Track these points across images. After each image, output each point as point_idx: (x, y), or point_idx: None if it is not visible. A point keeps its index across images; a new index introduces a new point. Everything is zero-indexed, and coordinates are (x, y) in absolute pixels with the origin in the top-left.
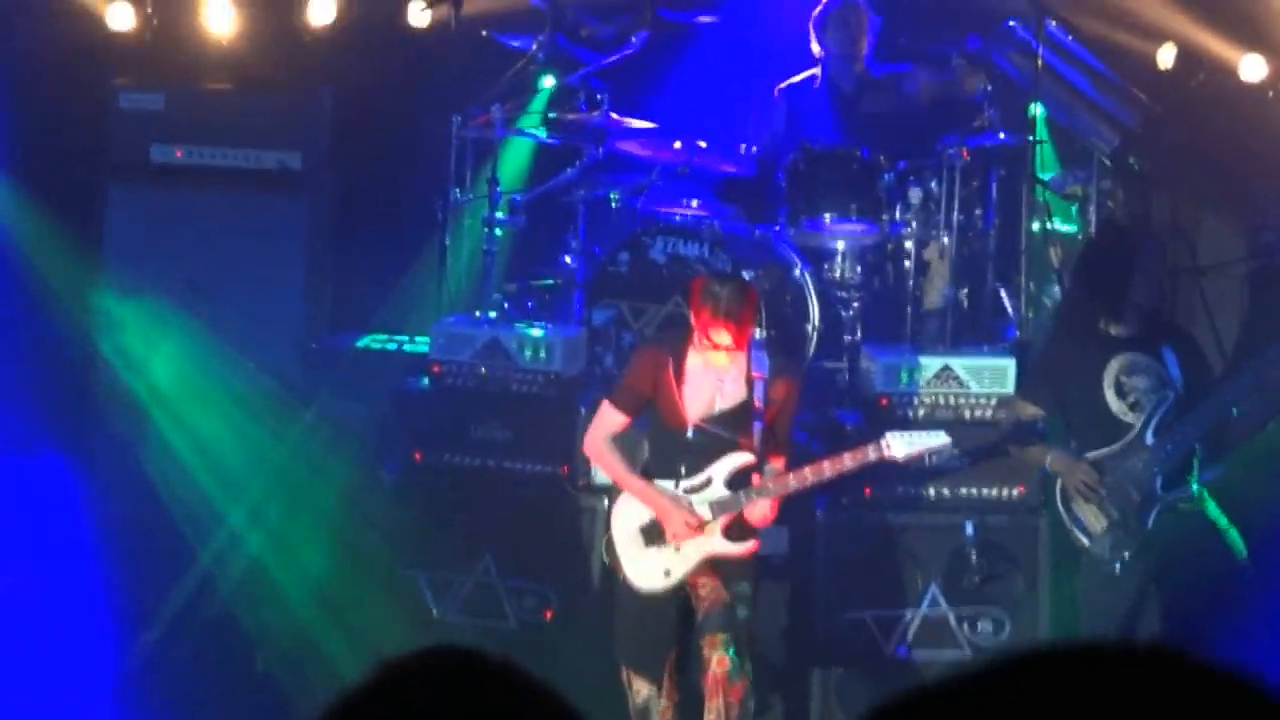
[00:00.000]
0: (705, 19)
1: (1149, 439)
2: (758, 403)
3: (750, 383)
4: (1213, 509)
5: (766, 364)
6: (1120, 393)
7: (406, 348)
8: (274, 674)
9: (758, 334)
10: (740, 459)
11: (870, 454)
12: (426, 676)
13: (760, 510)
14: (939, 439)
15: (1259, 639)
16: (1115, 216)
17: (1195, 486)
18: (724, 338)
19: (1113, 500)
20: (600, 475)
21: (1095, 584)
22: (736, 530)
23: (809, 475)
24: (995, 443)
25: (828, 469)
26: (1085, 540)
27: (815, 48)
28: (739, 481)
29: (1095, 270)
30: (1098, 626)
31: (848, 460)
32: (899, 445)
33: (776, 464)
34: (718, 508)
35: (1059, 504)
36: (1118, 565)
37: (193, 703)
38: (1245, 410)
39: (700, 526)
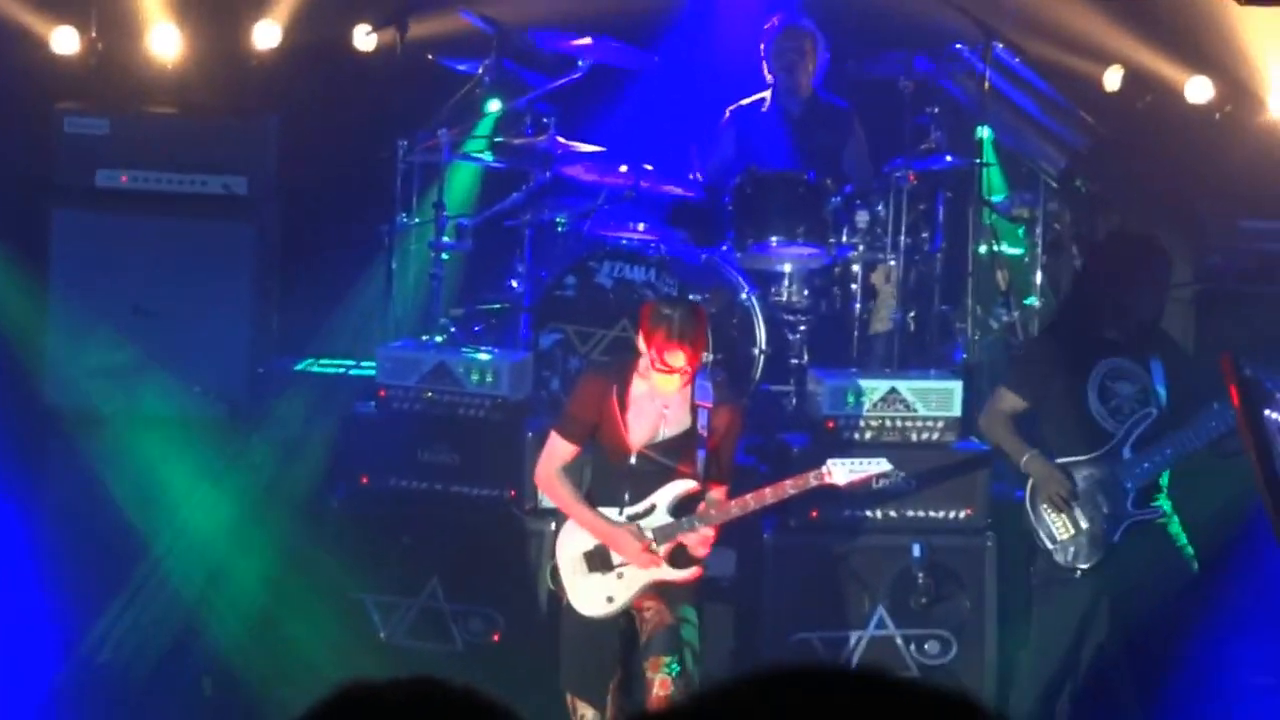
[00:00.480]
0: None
1: (1126, 453)
2: (701, 430)
3: (694, 410)
4: (1175, 525)
5: (710, 392)
6: (1103, 396)
7: (353, 372)
8: (221, 698)
9: (706, 357)
10: (684, 486)
11: (811, 480)
12: (390, 700)
13: (700, 538)
14: (880, 465)
15: (1208, 652)
16: (1121, 228)
17: (1166, 505)
18: (678, 359)
19: (1082, 509)
20: (547, 499)
21: (1047, 598)
22: (680, 557)
23: (751, 501)
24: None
25: (769, 495)
26: (1048, 544)
27: (765, 71)
28: (682, 508)
29: (1101, 274)
30: (1047, 642)
31: (789, 486)
32: (840, 472)
33: (717, 493)
34: (661, 534)
35: (1026, 504)
36: (1077, 573)
37: None
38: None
39: (652, 551)
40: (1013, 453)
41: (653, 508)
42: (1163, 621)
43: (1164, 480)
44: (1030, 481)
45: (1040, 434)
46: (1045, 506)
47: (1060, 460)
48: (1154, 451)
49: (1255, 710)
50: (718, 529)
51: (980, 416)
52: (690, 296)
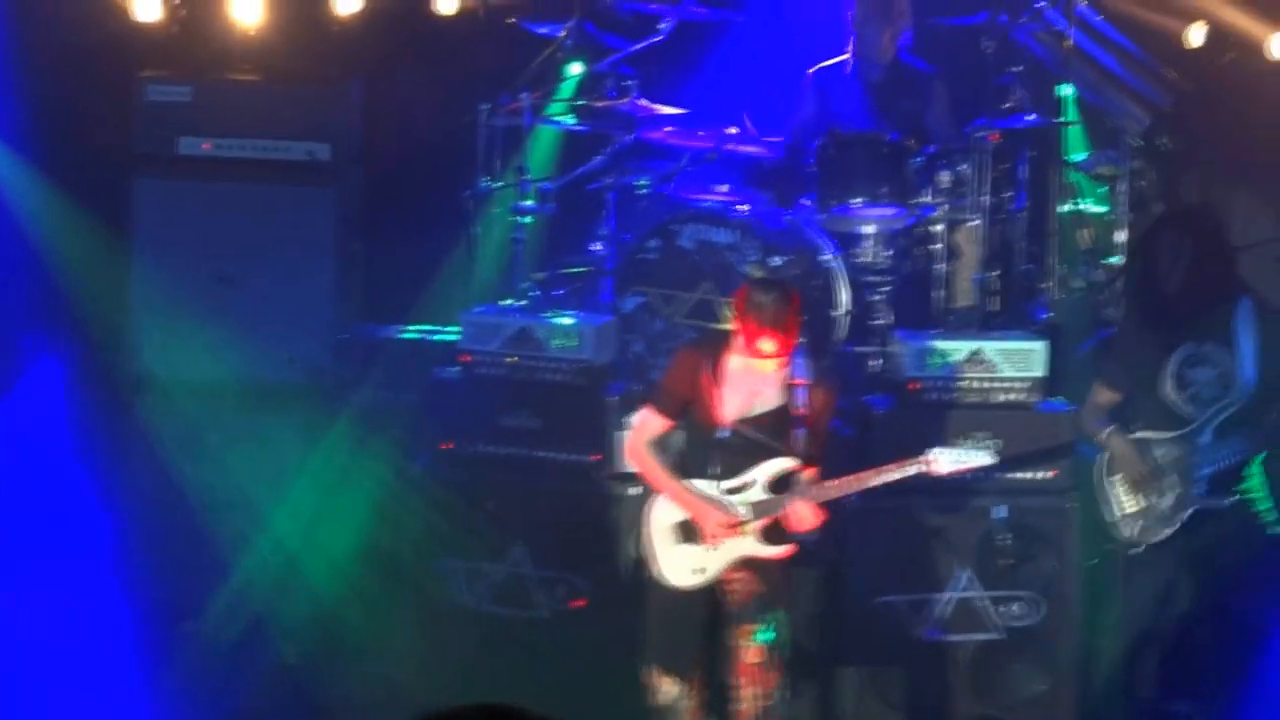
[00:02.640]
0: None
1: (1206, 437)
2: (801, 409)
3: (790, 389)
4: (1264, 504)
5: (807, 370)
6: (1180, 384)
7: (436, 338)
8: (305, 666)
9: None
10: (783, 463)
11: (914, 467)
12: None
13: (803, 515)
14: (983, 458)
15: None
16: (1175, 203)
17: (1254, 485)
18: (770, 345)
19: (1153, 487)
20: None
21: (1128, 573)
22: (774, 533)
23: (853, 482)
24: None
25: (871, 477)
26: (1114, 515)
27: (850, 38)
28: (780, 485)
29: (1157, 255)
30: (1132, 606)
31: (891, 471)
32: (944, 461)
33: (809, 473)
34: (758, 510)
35: (1098, 477)
36: (1142, 548)
37: (223, 695)
38: None
39: (736, 526)
40: (1091, 430)
41: (751, 483)
42: (1245, 594)
43: (1256, 468)
44: (1105, 454)
45: (1127, 412)
46: (1118, 478)
47: (1140, 435)
48: (1234, 441)
49: None
50: (819, 508)
51: (1080, 415)
52: (773, 259)
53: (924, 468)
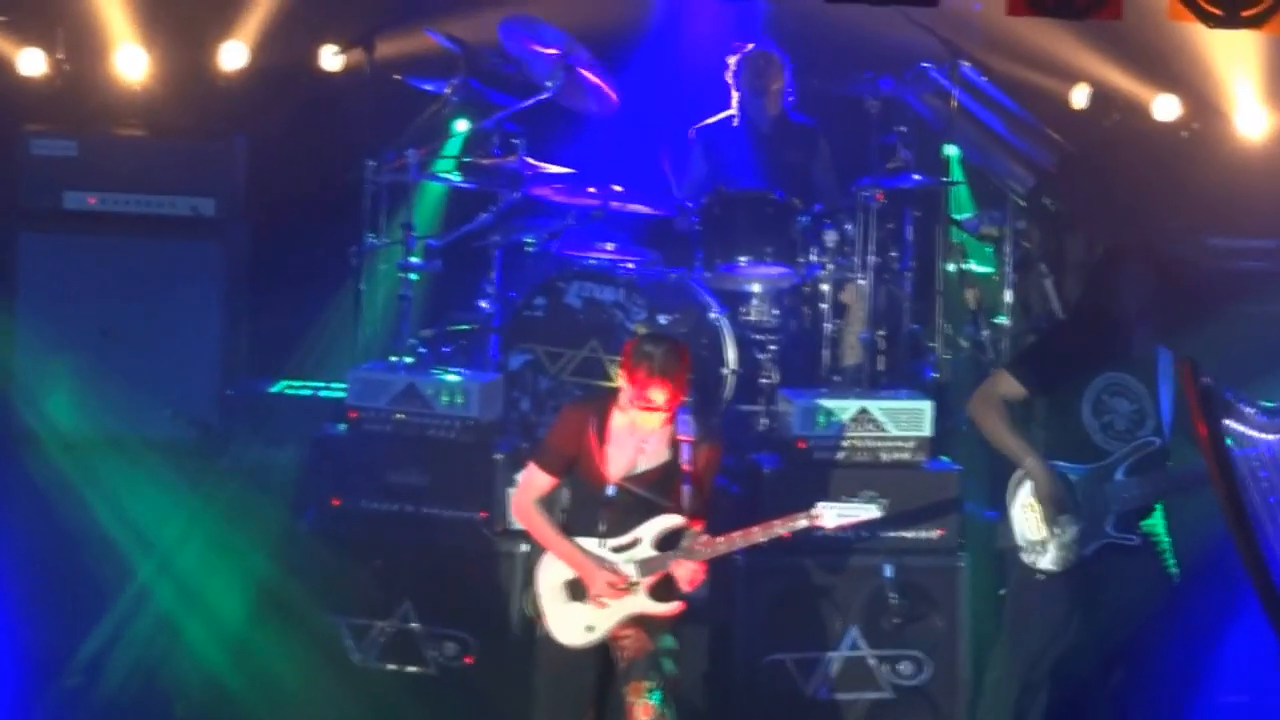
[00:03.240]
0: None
1: (1119, 475)
2: (686, 465)
3: (675, 445)
4: (1164, 546)
5: (692, 426)
6: (1097, 410)
7: (323, 394)
8: None
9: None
10: (669, 520)
11: (801, 521)
12: None
13: (689, 572)
14: (870, 512)
15: (1178, 669)
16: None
17: (1159, 527)
18: (660, 395)
19: (1063, 518)
20: (518, 522)
21: (1023, 603)
22: (662, 590)
23: (739, 539)
24: (914, 477)
25: (758, 533)
26: (1019, 542)
27: (733, 96)
28: (667, 543)
29: (1119, 280)
30: (1020, 653)
31: (778, 526)
32: (830, 516)
33: (695, 528)
34: (645, 567)
35: (1006, 498)
36: (1039, 576)
37: None
38: None
39: (625, 587)
40: (1013, 449)
41: (637, 540)
42: (1138, 639)
43: (1158, 507)
44: (1016, 475)
45: (1031, 430)
46: (1026, 505)
47: (1053, 463)
48: (1146, 482)
49: None
50: (706, 565)
51: (972, 399)
52: (659, 317)
53: (810, 522)
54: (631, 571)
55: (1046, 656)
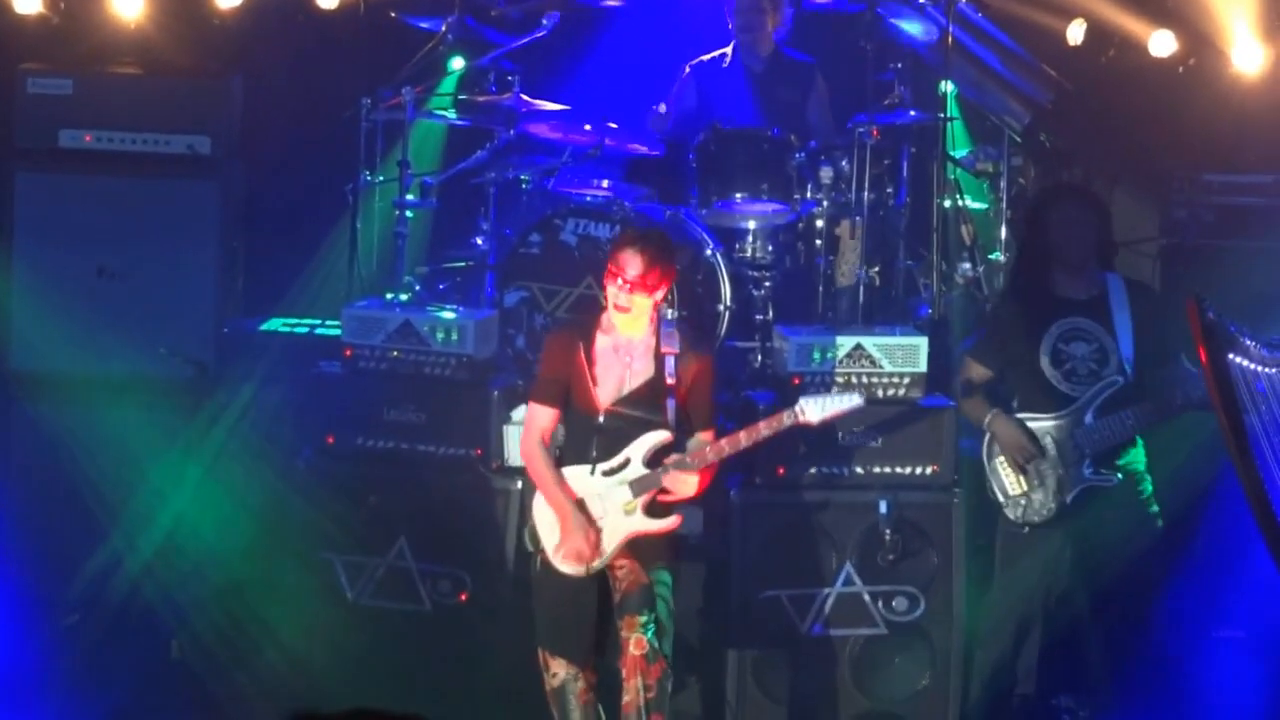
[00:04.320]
0: (612, 1)
1: (1088, 419)
2: (669, 379)
3: (659, 359)
4: (1144, 483)
5: (676, 339)
6: (1056, 359)
7: (319, 331)
8: (190, 660)
9: (670, 313)
10: (656, 437)
11: (785, 420)
12: None
13: (685, 483)
14: (852, 400)
15: (1172, 606)
16: (1058, 178)
17: (1139, 463)
18: (633, 268)
19: (1038, 468)
20: (513, 457)
21: (1012, 554)
22: (657, 508)
23: (725, 446)
24: (909, 413)
25: (744, 439)
26: (1000, 498)
27: (728, 26)
28: (657, 459)
29: (1038, 230)
30: (1012, 598)
31: (763, 428)
32: (813, 409)
33: (705, 437)
34: (638, 486)
35: (984, 457)
36: (1026, 529)
37: (108, 689)
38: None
39: (594, 555)
40: (974, 414)
41: (627, 461)
42: (1127, 578)
43: (1137, 440)
44: (988, 436)
45: (1001, 394)
46: (1001, 461)
47: (1022, 416)
48: (1115, 420)
49: (1218, 662)
50: (708, 473)
51: (956, 395)
52: None
53: (795, 420)
54: (625, 493)
55: (1037, 596)
